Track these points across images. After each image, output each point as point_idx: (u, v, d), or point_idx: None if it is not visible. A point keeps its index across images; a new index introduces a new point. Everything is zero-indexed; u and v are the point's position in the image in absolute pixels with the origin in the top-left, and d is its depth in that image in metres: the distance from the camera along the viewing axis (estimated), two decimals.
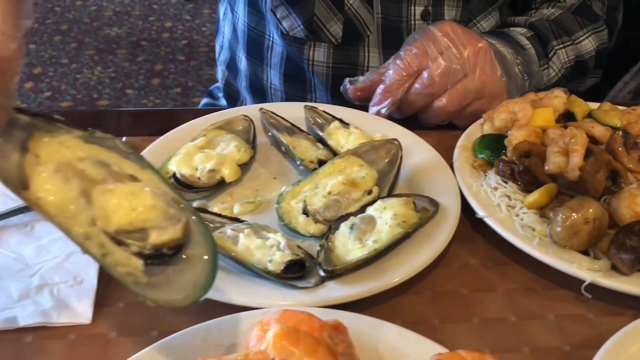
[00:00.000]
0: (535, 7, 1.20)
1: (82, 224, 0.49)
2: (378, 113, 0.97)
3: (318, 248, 0.74)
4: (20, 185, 0.48)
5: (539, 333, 0.69)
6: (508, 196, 0.81)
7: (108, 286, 0.71)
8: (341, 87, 1.02)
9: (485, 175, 0.85)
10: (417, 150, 0.90)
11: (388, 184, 0.84)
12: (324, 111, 0.96)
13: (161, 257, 0.50)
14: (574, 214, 0.73)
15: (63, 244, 0.76)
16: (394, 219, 0.74)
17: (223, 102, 1.42)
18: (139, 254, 0.50)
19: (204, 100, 1.51)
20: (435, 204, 0.79)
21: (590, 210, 0.73)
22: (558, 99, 0.92)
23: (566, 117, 0.94)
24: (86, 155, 0.51)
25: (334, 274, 0.69)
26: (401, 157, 0.86)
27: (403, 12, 1.11)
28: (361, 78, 1.00)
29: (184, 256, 0.51)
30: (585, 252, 0.74)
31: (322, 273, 0.69)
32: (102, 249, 0.50)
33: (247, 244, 0.71)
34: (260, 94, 1.28)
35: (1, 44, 0.46)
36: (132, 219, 0.50)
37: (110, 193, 0.50)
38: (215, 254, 0.51)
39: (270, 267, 0.69)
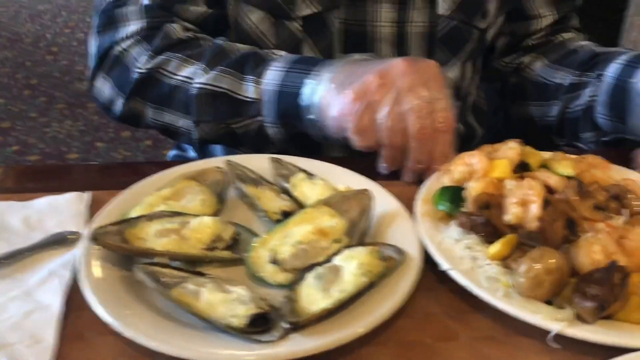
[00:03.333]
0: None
1: (190, 248, 0.79)
2: None
3: (284, 299, 0.73)
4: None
5: None
6: (471, 248, 0.82)
7: (68, 344, 0.70)
8: None
9: (447, 227, 0.86)
10: (380, 201, 0.91)
11: (359, 233, 0.85)
12: (289, 163, 0.98)
13: (234, 244, 0.83)
14: (536, 265, 0.74)
15: (21, 302, 0.74)
16: (359, 268, 0.74)
17: (192, 153, 1.42)
18: (225, 248, 0.82)
19: (173, 152, 1.51)
20: (401, 252, 0.79)
21: (551, 260, 0.74)
22: (512, 150, 0.95)
23: (522, 167, 0.96)
24: (158, 225, 0.81)
25: (297, 326, 0.69)
26: (372, 207, 0.87)
27: None
28: None
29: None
30: (549, 302, 0.75)
31: (285, 325, 0.69)
32: (206, 253, 0.81)
33: (209, 299, 0.70)
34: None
35: None
36: (212, 232, 0.81)
37: (193, 229, 0.81)
38: (249, 233, 0.86)
39: (234, 322, 0.68)
